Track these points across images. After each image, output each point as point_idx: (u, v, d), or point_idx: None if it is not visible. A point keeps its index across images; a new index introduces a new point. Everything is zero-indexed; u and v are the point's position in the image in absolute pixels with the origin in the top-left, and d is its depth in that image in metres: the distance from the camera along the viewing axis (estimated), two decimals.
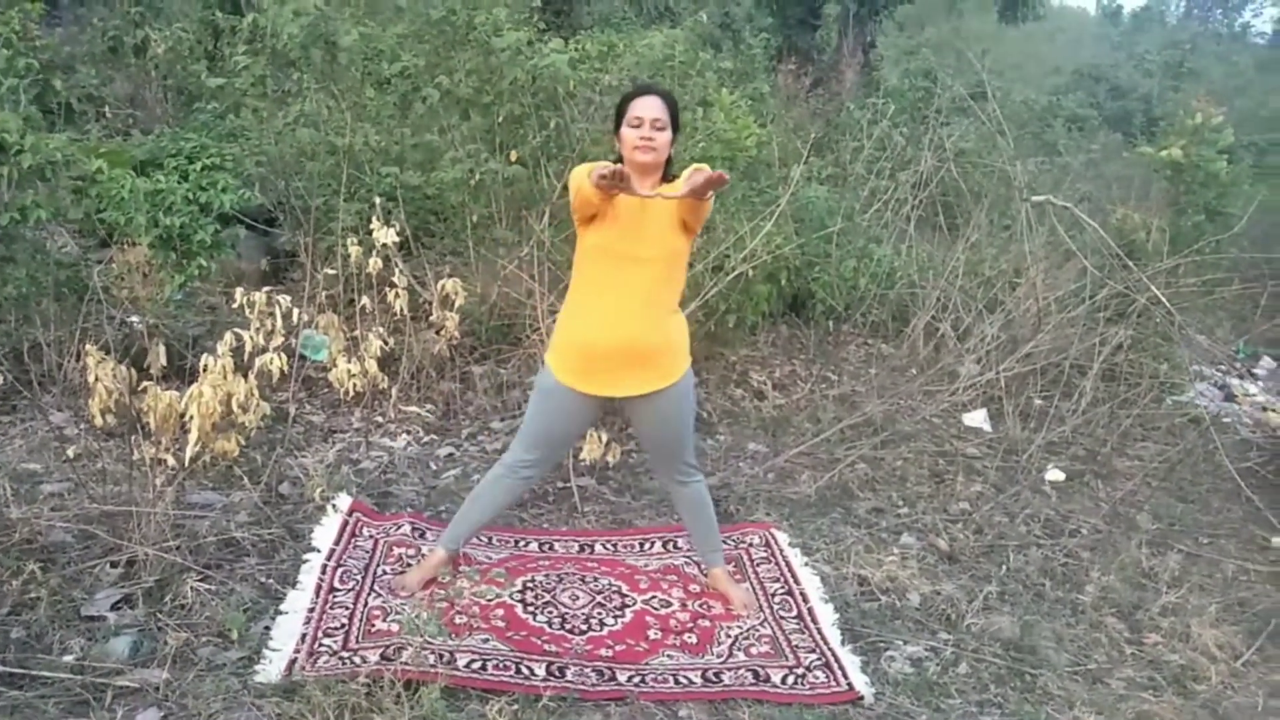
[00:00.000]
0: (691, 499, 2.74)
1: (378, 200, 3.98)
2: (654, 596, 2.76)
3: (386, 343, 3.88)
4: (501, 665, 2.31)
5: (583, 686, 2.28)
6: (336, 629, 2.39)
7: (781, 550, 3.09)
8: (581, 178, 2.31)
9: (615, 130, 2.49)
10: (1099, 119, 15.10)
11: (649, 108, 2.42)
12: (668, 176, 2.50)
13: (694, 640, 2.56)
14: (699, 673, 2.41)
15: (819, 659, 2.51)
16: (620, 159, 2.46)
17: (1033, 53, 22.06)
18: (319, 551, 2.72)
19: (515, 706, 2.14)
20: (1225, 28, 32.66)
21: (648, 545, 3.08)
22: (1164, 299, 4.45)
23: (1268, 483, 4.15)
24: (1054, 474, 4.01)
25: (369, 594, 2.58)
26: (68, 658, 2.16)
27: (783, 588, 2.87)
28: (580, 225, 2.48)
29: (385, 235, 3.81)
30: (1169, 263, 4.94)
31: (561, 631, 2.53)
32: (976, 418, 4.51)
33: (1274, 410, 5.36)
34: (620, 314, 2.45)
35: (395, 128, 4.47)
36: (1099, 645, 2.77)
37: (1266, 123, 12.72)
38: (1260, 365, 6.42)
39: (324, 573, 2.63)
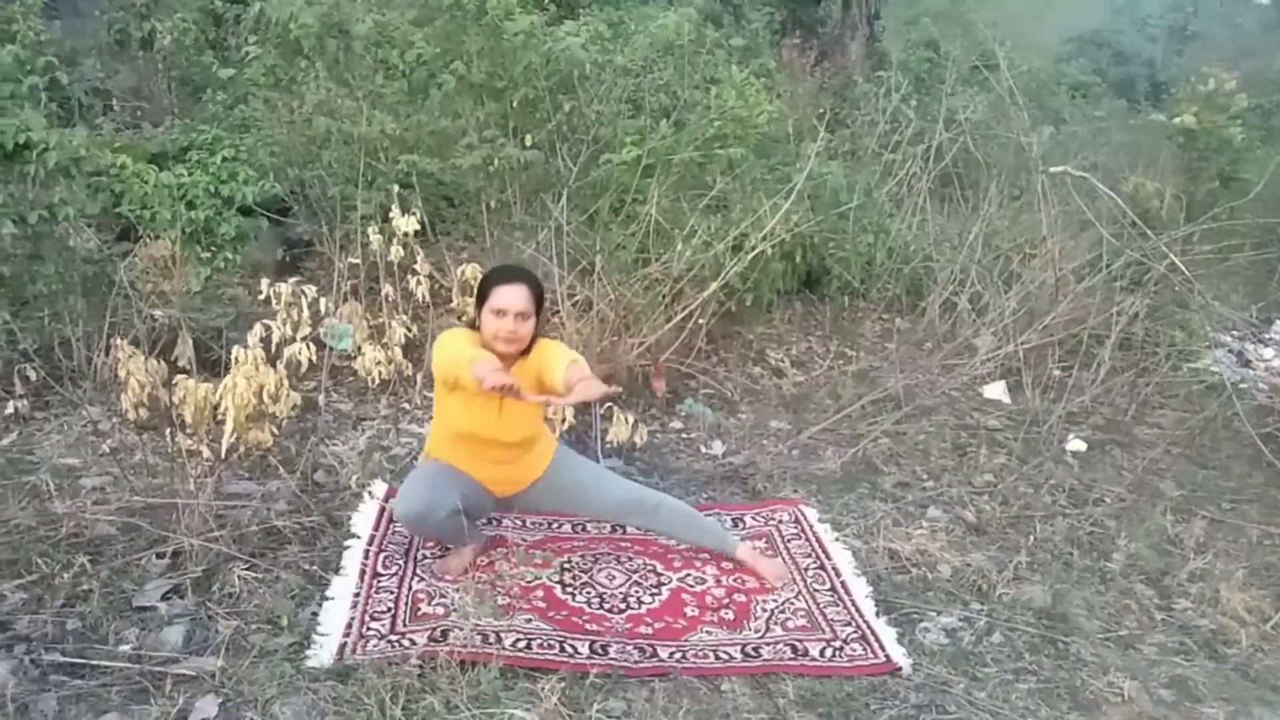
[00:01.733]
0: (666, 516, 2.81)
1: (395, 188, 3.99)
2: (688, 574, 2.80)
3: (410, 330, 3.90)
4: (546, 645, 2.36)
5: (626, 664, 2.32)
6: (383, 613, 2.44)
7: (811, 526, 3.12)
8: (459, 365, 2.32)
9: (478, 305, 2.50)
10: (1103, 86, 14.99)
11: (513, 300, 2.42)
12: (525, 351, 2.54)
13: (731, 616, 2.61)
14: (738, 647, 2.45)
15: (855, 631, 2.56)
16: (475, 325, 2.51)
17: (1034, 18, 21.84)
18: (359, 538, 2.76)
19: (563, 684, 2.18)
20: None
21: None
22: (1181, 265, 4.45)
23: None
24: (1075, 444, 4.04)
25: (412, 578, 2.62)
26: (124, 647, 2.20)
27: (815, 563, 2.91)
28: (440, 386, 2.55)
29: (406, 224, 3.82)
30: (1184, 230, 4.94)
31: (601, 611, 2.57)
32: (996, 390, 4.54)
33: None
34: (479, 473, 2.64)
35: (410, 115, 4.47)
36: (1129, 612, 2.81)
37: (1272, 84, 12.62)
38: (1273, 330, 6.42)
39: (366, 558, 2.67)
